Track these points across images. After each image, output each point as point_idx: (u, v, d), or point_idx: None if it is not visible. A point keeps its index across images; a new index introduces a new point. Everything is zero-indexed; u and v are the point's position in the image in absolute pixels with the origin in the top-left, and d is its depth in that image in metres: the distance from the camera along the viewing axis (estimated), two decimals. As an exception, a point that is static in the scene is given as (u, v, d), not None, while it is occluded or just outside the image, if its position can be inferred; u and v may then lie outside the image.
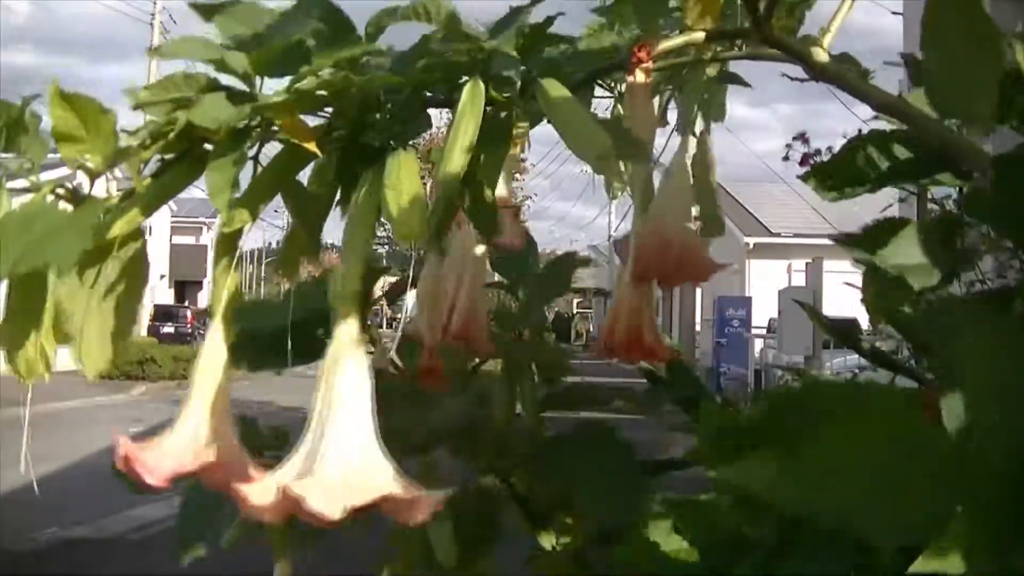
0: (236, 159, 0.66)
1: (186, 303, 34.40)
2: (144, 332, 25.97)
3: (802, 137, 4.49)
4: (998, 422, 0.52)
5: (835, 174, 0.89)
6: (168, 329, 28.46)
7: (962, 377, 0.54)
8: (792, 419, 0.55)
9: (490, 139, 0.74)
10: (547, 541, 1.09)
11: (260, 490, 0.59)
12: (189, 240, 37.32)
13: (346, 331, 0.64)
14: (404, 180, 0.65)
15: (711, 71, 0.92)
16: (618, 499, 0.93)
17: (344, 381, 0.62)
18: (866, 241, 0.85)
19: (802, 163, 4.49)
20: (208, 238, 39.78)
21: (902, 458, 0.52)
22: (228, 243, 0.70)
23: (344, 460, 0.60)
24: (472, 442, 1.07)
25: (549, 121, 0.72)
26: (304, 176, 0.75)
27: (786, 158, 4.52)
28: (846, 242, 0.86)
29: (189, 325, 30.10)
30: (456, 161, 0.69)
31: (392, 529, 1.06)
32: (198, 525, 1.09)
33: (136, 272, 0.70)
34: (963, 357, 0.55)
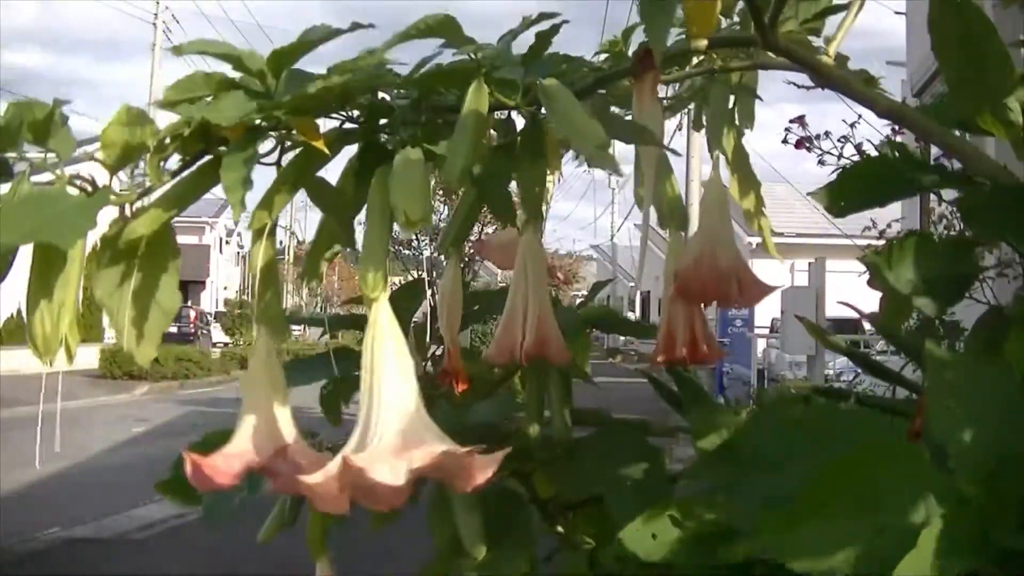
0: (247, 157, 0.69)
1: (188, 303, 34.49)
2: (146, 332, 25.91)
3: (799, 121, 4.53)
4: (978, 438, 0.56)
5: (843, 194, 0.91)
6: (171, 329, 28.41)
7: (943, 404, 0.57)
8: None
9: (527, 151, 0.80)
10: (567, 543, 1.10)
11: (322, 478, 0.60)
12: (192, 240, 37.42)
13: (381, 314, 0.67)
14: (409, 174, 0.69)
15: (734, 79, 0.94)
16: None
17: (387, 360, 0.66)
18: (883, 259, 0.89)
19: (797, 147, 4.51)
20: (211, 238, 39.91)
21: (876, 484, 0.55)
22: (264, 241, 0.74)
23: (398, 429, 0.62)
24: (499, 444, 1.09)
25: (549, 117, 0.75)
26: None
27: (785, 141, 4.56)
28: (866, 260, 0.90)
29: (192, 325, 30.16)
30: (460, 159, 0.72)
31: (428, 514, 1.06)
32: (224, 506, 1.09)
33: (166, 263, 0.74)
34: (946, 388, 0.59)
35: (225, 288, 45.10)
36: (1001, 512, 0.53)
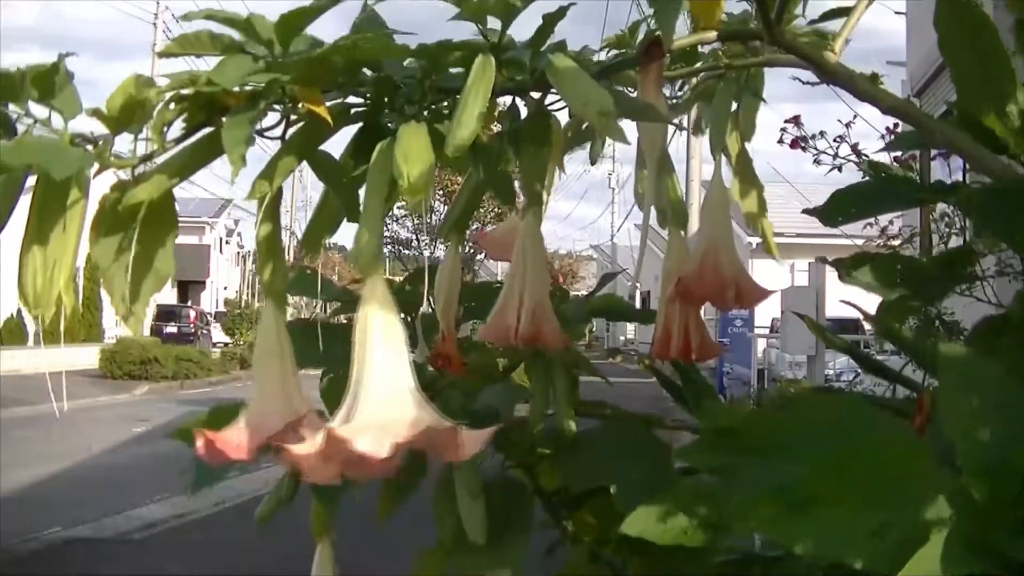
0: (252, 117, 0.68)
1: (188, 303, 34.48)
2: (147, 332, 25.99)
3: (795, 121, 4.57)
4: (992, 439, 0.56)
5: (838, 211, 0.93)
6: (171, 329, 28.49)
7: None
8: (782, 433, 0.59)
9: (532, 137, 0.79)
10: (569, 536, 1.10)
11: (308, 448, 0.60)
12: (192, 240, 37.40)
13: (374, 288, 0.66)
14: (413, 146, 0.68)
15: (740, 82, 0.94)
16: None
17: (376, 333, 0.65)
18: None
19: (792, 146, 4.56)
20: (211, 238, 39.89)
21: (884, 482, 0.55)
22: (268, 214, 0.73)
23: (384, 400, 0.62)
24: (502, 434, 1.10)
25: (555, 86, 0.74)
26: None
27: (780, 141, 4.61)
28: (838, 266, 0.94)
29: (192, 325, 30.15)
30: (465, 129, 0.71)
31: (433, 503, 1.06)
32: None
33: (164, 231, 0.73)
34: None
35: (225, 288, 45.10)
36: (999, 514, 0.53)
